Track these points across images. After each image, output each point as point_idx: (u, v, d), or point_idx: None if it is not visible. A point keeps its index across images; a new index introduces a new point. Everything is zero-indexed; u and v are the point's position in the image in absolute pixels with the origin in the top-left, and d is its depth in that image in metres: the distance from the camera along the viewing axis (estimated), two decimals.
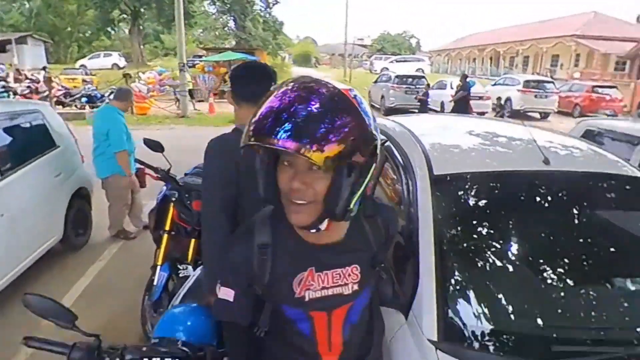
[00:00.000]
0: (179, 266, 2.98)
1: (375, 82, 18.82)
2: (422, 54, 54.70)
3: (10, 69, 25.36)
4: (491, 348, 1.45)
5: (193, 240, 3.04)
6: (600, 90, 17.14)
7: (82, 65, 28.81)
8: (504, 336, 1.49)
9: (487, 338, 1.48)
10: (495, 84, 19.03)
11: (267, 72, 1.88)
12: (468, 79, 14.02)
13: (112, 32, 40.46)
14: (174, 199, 3.12)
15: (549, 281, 1.68)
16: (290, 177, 0.99)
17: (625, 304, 1.64)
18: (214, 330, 1.61)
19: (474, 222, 1.89)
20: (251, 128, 0.94)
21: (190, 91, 16.30)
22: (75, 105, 15.05)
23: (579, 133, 4.96)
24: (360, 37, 72.46)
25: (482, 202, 1.96)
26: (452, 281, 1.64)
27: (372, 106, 18.42)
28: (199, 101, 17.02)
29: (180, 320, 1.66)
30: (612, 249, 1.88)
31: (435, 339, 1.46)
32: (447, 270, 1.64)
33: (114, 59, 32.89)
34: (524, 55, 35.59)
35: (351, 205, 1.02)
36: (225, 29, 34.95)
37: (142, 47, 34.77)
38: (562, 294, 1.64)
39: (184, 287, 2.21)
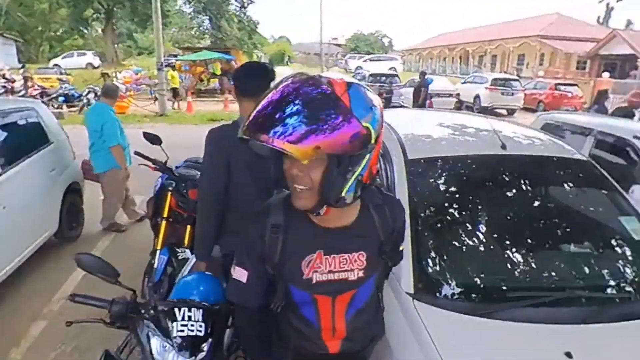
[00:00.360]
0: (177, 250, 3.20)
1: None
2: (394, 53, 55.45)
3: None
4: (455, 296, 1.75)
5: (189, 227, 3.27)
6: (562, 88, 17.91)
7: (55, 65, 28.06)
8: (466, 287, 1.80)
9: (452, 289, 1.78)
10: (464, 82, 19.63)
11: (264, 70, 2.12)
12: (426, 77, 14.66)
13: (85, 31, 39.52)
14: (171, 188, 3.34)
15: (504, 245, 2.01)
16: (289, 165, 1.09)
17: (563, 263, 1.98)
18: (222, 294, 1.86)
19: (443, 197, 2.21)
20: (246, 123, 1.03)
21: (175, 90, 16.31)
22: (53, 105, 14.81)
23: (538, 126, 5.37)
24: (334, 36, 72.83)
25: (448, 181, 2.27)
26: (425, 245, 1.94)
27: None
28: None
29: (193, 286, 1.91)
30: (556, 220, 2.22)
31: (412, 292, 1.75)
32: (420, 237, 1.94)
33: (88, 58, 32.20)
34: (492, 55, 36.59)
35: (343, 193, 1.09)
36: (201, 28, 34.68)
37: (116, 46, 34.22)
38: (513, 254, 1.96)
39: (189, 263, 2.46)
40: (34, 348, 2.92)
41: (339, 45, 67.11)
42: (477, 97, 17.77)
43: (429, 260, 1.89)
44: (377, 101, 1.11)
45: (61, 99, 14.77)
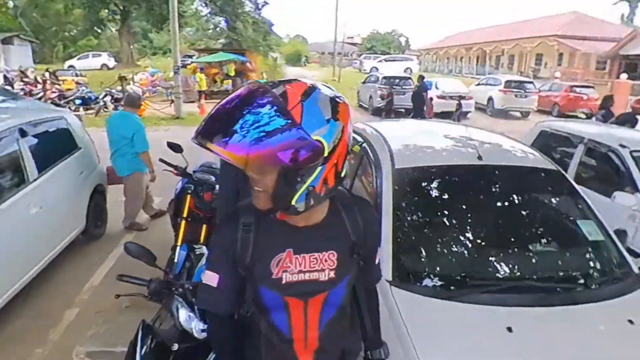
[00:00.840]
0: (194, 246, 3.67)
1: (364, 82, 19.48)
2: (411, 52, 55.66)
3: None
4: (425, 283, 2.18)
5: (205, 225, 3.75)
6: (577, 90, 18.06)
7: (70, 66, 29.01)
8: (435, 276, 2.22)
9: (423, 277, 2.21)
10: (478, 84, 19.89)
11: None
12: (425, 80, 15.06)
13: (100, 31, 40.60)
14: (190, 191, 3.82)
15: (471, 242, 2.43)
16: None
17: (521, 258, 2.38)
18: None
19: (422, 200, 2.65)
20: (197, 129, 1.09)
21: (200, 92, 16.92)
22: (70, 108, 15.50)
23: (535, 133, 5.75)
24: (350, 35, 73.20)
25: (429, 187, 2.70)
26: (403, 240, 2.37)
27: (360, 106, 19.12)
28: (190, 102, 17.60)
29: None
30: (521, 222, 2.62)
31: (390, 279, 2.18)
32: (399, 233, 2.37)
33: (103, 59, 33.24)
34: (509, 55, 36.64)
35: (293, 202, 1.13)
36: (217, 29, 35.46)
37: (131, 47, 35.17)
38: (478, 250, 2.38)
39: (205, 257, 2.92)
40: (70, 329, 3.42)
41: (354, 44, 67.52)
42: (490, 99, 18.03)
43: (406, 254, 2.32)
44: (341, 114, 1.13)
45: (78, 101, 15.41)
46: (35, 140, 4.22)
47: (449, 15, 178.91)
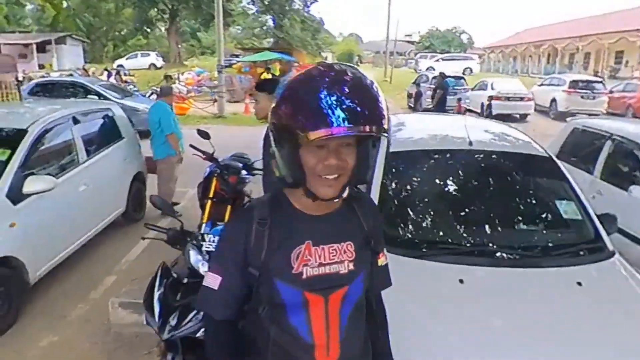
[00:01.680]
0: (218, 223, 4.38)
1: (414, 82, 19.86)
2: (475, 51, 55.01)
3: (50, 70, 28.26)
4: (403, 245, 2.71)
5: (229, 206, 4.46)
6: None
7: (119, 65, 31.30)
8: (412, 240, 2.76)
9: (402, 241, 2.75)
10: (541, 85, 19.70)
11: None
12: (445, 79, 15.39)
13: (149, 31, 43.31)
14: (216, 174, 4.54)
15: (449, 214, 2.95)
16: (324, 157, 1.15)
17: (492, 229, 2.86)
18: None
19: (410, 179, 3.20)
20: (353, 117, 1.07)
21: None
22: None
23: (567, 130, 6.08)
24: (408, 33, 73.29)
25: (419, 168, 3.24)
26: (387, 211, 2.92)
27: (410, 107, 19.51)
28: (235, 102, 18.72)
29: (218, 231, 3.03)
30: (502, 200, 3.09)
31: None
32: (384, 205, 2.92)
33: (152, 59, 35.56)
34: (584, 52, 35.53)
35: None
36: (264, 28, 37.02)
37: (179, 46, 37.41)
38: (454, 221, 2.90)
39: None
40: (108, 291, 4.21)
41: (412, 42, 67.56)
42: (553, 101, 17.86)
43: (387, 222, 2.87)
44: None
45: None
46: (85, 128, 5.13)
47: (518, 10, 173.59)
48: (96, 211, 5.00)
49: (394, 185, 3.13)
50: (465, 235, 2.82)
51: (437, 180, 3.17)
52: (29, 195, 3.89)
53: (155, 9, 36.62)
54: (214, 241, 2.63)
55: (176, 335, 2.47)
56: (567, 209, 3.02)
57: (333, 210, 1.30)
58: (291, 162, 1.18)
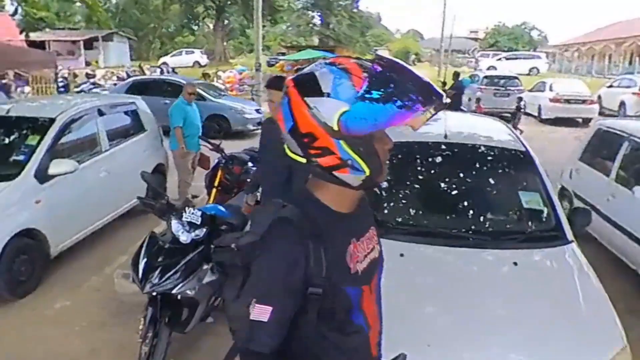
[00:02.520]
0: None
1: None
2: (547, 49, 53.71)
3: (96, 67, 30.46)
4: (397, 230, 3.21)
5: (234, 194, 5.15)
6: None
7: (164, 63, 33.14)
8: (404, 225, 3.27)
9: (396, 226, 3.25)
10: (609, 86, 19.34)
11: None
12: (461, 78, 15.50)
13: (196, 28, 45.43)
14: (221, 164, 5.25)
15: (416, 200, 3.46)
16: (387, 142, 1.29)
17: (457, 215, 3.35)
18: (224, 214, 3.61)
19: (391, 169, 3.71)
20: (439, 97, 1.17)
21: None
22: None
23: (592, 130, 6.38)
24: (474, 29, 72.48)
25: (397, 158, 3.75)
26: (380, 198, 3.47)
27: (460, 110, 19.64)
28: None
29: (211, 208, 3.71)
30: (470, 189, 3.56)
31: None
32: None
33: (196, 56, 37.41)
34: None
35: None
36: (309, 25, 38.04)
37: (225, 43, 39.20)
38: (425, 208, 3.40)
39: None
40: (120, 267, 4.95)
41: (476, 39, 66.80)
42: (622, 104, 17.53)
43: (382, 208, 3.41)
44: None
45: None
46: (110, 119, 5.99)
47: (604, 3, 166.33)
48: (115, 196, 5.82)
49: None
50: (425, 218, 3.34)
51: (409, 169, 3.69)
52: (53, 176, 4.72)
53: (203, 6, 38.48)
54: (193, 213, 3.29)
55: (156, 289, 3.15)
56: (527, 199, 3.46)
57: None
58: (374, 155, 1.23)
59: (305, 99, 1.18)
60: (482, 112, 15.21)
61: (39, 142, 4.82)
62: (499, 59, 37.15)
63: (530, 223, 3.37)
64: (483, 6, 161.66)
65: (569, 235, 3.22)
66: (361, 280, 1.36)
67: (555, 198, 3.48)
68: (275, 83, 3.72)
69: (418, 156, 3.75)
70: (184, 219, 3.28)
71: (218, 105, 13.14)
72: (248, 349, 1.28)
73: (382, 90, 1.14)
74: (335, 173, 1.23)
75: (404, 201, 3.49)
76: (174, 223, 3.27)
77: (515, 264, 2.89)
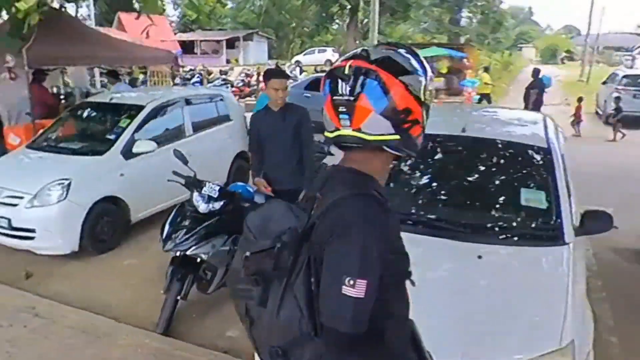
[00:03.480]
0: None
1: (604, 82, 18.41)
2: None
3: (235, 65, 33.09)
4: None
5: None
6: None
7: (297, 61, 34.96)
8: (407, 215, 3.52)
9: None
10: None
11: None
12: (541, 75, 13.45)
13: (332, 27, 46.83)
14: None
15: (429, 192, 3.66)
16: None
17: (456, 210, 3.47)
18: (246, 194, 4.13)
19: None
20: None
21: (485, 96, 17.78)
22: None
23: None
24: None
25: None
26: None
27: (597, 114, 18.06)
28: None
29: (239, 187, 4.25)
30: (478, 184, 3.65)
31: None
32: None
33: (328, 54, 38.79)
34: None
35: None
36: (438, 22, 37.34)
37: (357, 42, 39.95)
38: (432, 200, 3.59)
39: None
40: None
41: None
42: None
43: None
44: None
45: None
46: (196, 109, 6.86)
47: None
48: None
49: None
50: (416, 207, 3.49)
51: (425, 161, 3.87)
52: (137, 154, 5.63)
53: (338, 5, 39.59)
54: (212, 188, 3.86)
55: (174, 249, 3.76)
56: (530, 197, 3.43)
57: None
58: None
59: (400, 78, 1.33)
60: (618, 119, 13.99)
61: (128, 125, 5.77)
62: None
63: (524, 221, 3.33)
64: None
65: (568, 237, 3.14)
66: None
67: (564, 199, 3.37)
68: (281, 72, 4.41)
69: (429, 148, 3.89)
70: (203, 192, 3.86)
71: None
72: (345, 333, 1.24)
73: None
74: (418, 142, 1.43)
75: (403, 190, 3.70)
76: (195, 195, 3.87)
77: (480, 257, 2.93)
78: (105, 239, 5.39)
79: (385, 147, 1.37)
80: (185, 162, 4.18)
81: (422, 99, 1.37)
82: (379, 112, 1.32)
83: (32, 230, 4.92)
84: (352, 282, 1.22)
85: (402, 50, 1.39)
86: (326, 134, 1.45)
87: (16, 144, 7.02)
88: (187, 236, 3.75)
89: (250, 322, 1.46)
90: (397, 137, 1.35)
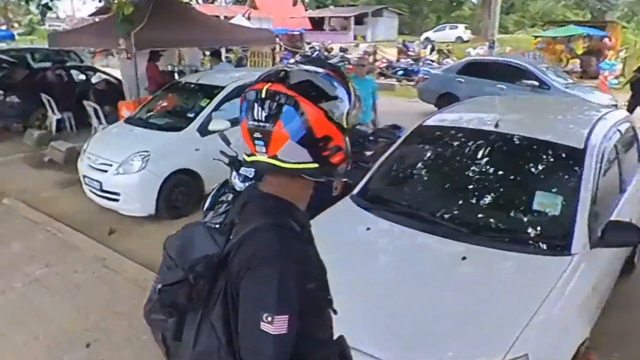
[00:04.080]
0: None
1: None
2: None
3: (361, 41, 33.27)
4: (388, 208, 3.60)
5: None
6: None
7: (426, 38, 34.07)
8: (395, 204, 3.65)
9: (390, 204, 3.65)
10: None
11: None
12: None
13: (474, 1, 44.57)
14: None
15: (438, 187, 3.75)
16: None
17: (466, 208, 3.45)
18: None
19: (425, 151, 4.03)
20: None
21: None
22: (395, 77, 19.56)
23: None
24: None
25: (442, 140, 3.99)
26: (389, 175, 3.93)
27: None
28: None
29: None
30: (496, 182, 3.58)
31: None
32: (388, 169, 3.93)
33: (459, 31, 37.23)
34: None
35: None
36: None
37: (491, 17, 37.89)
38: (440, 196, 3.65)
39: None
40: None
41: None
42: None
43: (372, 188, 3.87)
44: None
45: (400, 72, 19.36)
46: None
47: None
48: None
49: (404, 156, 4.07)
50: (419, 202, 3.60)
51: (445, 155, 3.92)
52: (212, 132, 6.22)
53: None
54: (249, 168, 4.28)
55: (211, 221, 4.23)
56: (543, 201, 3.30)
57: None
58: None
59: (319, 105, 1.28)
60: None
61: (207, 104, 6.40)
62: None
63: (530, 226, 3.19)
64: None
65: (576, 247, 3.01)
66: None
67: (583, 206, 3.20)
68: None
69: (459, 143, 3.88)
70: (241, 172, 4.28)
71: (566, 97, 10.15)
72: None
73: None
74: (339, 168, 1.37)
75: (420, 185, 3.83)
76: (233, 174, 4.30)
77: (464, 258, 2.94)
78: (179, 206, 6.09)
79: (303, 175, 1.35)
80: (228, 144, 4.60)
81: (345, 126, 1.33)
82: (296, 140, 1.28)
83: (117, 194, 5.79)
84: (269, 318, 1.21)
85: (325, 74, 1.34)
86: (244, 157, 1.45)
87: (127, 117, 8.07)
88: (223, 210, 4.21)
89: (166, 352, 1.50)
90: (315, 165, 1.32)
